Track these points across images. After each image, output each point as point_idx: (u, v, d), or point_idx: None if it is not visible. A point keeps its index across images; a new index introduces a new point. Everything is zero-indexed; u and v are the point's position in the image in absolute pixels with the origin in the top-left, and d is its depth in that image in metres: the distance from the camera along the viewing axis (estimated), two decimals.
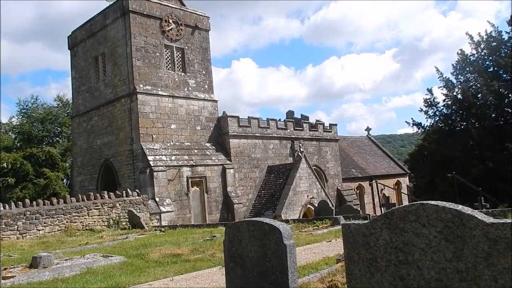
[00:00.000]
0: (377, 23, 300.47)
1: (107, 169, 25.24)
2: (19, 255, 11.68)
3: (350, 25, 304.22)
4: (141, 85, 23.36)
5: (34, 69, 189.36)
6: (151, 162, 22.15)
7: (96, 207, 19.05)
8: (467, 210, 2.96)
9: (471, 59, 30.96)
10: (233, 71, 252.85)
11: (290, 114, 34.10)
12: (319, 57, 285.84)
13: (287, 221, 15.03)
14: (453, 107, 31.44)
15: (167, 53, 25.16)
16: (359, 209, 25.98)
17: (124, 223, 19.32)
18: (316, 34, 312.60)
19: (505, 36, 29.55)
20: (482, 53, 30.53)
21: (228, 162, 25.60)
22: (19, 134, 39.40)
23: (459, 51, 31.60)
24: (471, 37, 30.88)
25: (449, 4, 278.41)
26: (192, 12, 26.66)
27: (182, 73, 25.60)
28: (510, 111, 28.68)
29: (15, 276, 7.96)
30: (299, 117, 33.40)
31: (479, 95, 29.09)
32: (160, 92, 24.03)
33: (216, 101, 26.83)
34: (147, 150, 22.50)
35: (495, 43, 29.69)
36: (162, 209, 21.69)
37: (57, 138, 41.78)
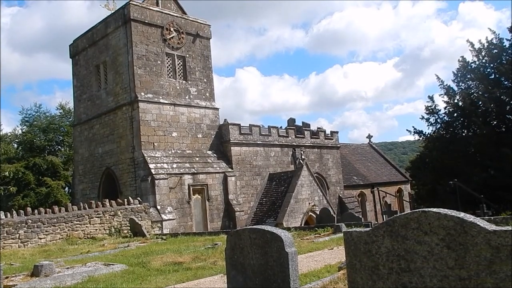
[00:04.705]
0: (380, 33, 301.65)
1: (109, 177, 25.25)
2: (21, 263, 11.64)
3: (353, 35, 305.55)
4: (142, 93, 23.42)
5: (40, 78, 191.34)
6: (152, 170, 22.15)
7: (97, 215, 19.03)
8: (469, 217, 2.95)
9: (472, 66, 31.02)
10: (237, 80, 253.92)
11: (291, 121, 34.11)
12: (322, 66, 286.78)
13: (288, 229, 14.98)
14: (455, 114, 31.48)
15: (169, 61, 25.25)
16: (360, 216, 25.89)
17: (125, 231, 19.28)
18: (319, 43, 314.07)
19: (506, 44, 29.62)
20: (483, 61, 30.58)
21: (229, 169, 25.59)
22: (21, 143, 39.49)
23: (460, 58, 31.72)
24: (472, 45, 30.97)
25: (450, 15, 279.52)
26: (193, 20, 26.76)
27: (184, 81, 25.67)
28: (511, 118, 28.68)
29: (16, 284, 7.94)
30: (301, 124, 33.40)
31: (480, 103, 29.11)
32: (161, 100, 24.08)
33: (217, 109, 26.87)
34: (149, 158, 22.51)
35: (496, 50, 29.76)
36: (164, 217, 21.67)
37: (59, 147, 41.84)
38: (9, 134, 41.83)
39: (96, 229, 18.86)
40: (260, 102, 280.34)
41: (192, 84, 25.97)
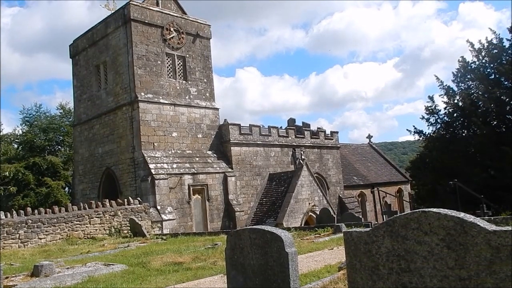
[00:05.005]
0: (380, 33, 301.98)
1: (109, 177, 25.25)
2: (21, 263, 11.65)
3: (353, 35, 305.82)
4: (142, 93, 23.42)
5: (41, 78, 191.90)
6: (152, 170, 22.15)
7: (97, 216, 19.03)
8: (469, 217, 2.95)
9: (472, 67, 31.00)
10: (237, 80, 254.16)
11: (291, 121, 34.12)
12: (322, 66, 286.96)
13: (288, 229, 14.98)
14: (455, 114, 31.47)
15: (169, 61, 25.25)
16: (361, 216, 25.91)
17: (125, 231, 19.28)
18: (319, 43, 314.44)
19: (506, 44, 29.60)
20: (483, 61, 30.56)
21: (229, 170, 25.59)
22: (21, 143, 39.49)
23: (460, 59, 31.68)
24: (472, 45, 30.94)
25: (450, 15, 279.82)
26: (193, 21, 26.76)
27: (184, 81, 25.67)
28: (511, 118, 28.68)
29: (16, 285, 7.94)
30: (301, 124, 33.41)
31: (480, 103, 29.10)
32: (161, 100, 24.08)
33: (217, 109, 26.87)
34: (149, 158, 22.51)
35: (496, 50, 29.73)
36: (164, 217, 21.67)
37: (59, 147, 41.84)
38: (9, 134, 41.84)
39: (96, 229, 18.86)
40: (260, 102, 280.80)
41: (192, 84, 25.98)
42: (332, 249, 10.32)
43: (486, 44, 30.17)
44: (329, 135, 33.49)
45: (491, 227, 2.85)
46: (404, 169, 42.88)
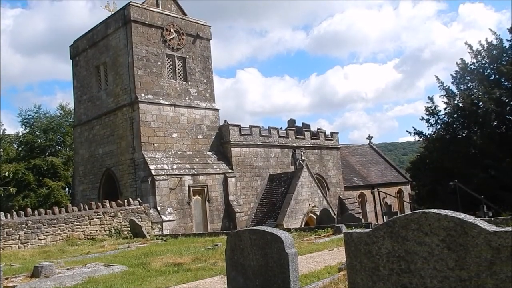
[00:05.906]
0: (380, 34, 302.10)
1: (109, 178, 25.23)
2: (21, 264, 11.64)
3: (354, 36, 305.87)
4: (142, 94, 23.42)
5: (42, 79, 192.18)
6: (152, 171, 22.14)
7: (97, 216, 19.02)
8: (470, 218, 2.95)
9: (471, 68, 31.04)
10: (238, 81, 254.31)
11: (291, 122, 34.10)
12: (322, 67, 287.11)
13: (289, 230, 14.98)
14: (455, 115, 31.49)
15: (169, 62, 25.25)
16: (361, 217, 25.92)
17: (125, 232, 19.27)
18: (320, 45, 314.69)
19: (506, 44, 29.64)
20: (483, 62, 30.61)
21: (229, 170, 25.58)
22: (21, 144, 39.50)
23: (459, 61, 31.70)
24: (470, 47, 30.99)
25: (450, 16, 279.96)
26: (193, 22, 26.76)
27: (184, 82, 25.66)
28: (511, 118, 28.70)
29: (16, 285, 7.93)
30: (301, 125, 33.39)
31: (480, 103, 29.12)
32: (161, 101, 24.08)
33: (217, 109, 26.86)
34: (149, 159, 22.50)
35: (496, 51, 29.77)
36: (164, 218, 21.66)
37: (59, 147, 41.84)
38: (11, 135, 41.90)
39: (96, 230, 18.85)
40: (260, 103, 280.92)
41: (192, 85, 25.97)
42: (332, 250, 10.31)
43: (486, 45, 30.21)
44: (329, 136, 33.48)
45: (492, 227, 2.85)
46: (404, 170, 42.86)
